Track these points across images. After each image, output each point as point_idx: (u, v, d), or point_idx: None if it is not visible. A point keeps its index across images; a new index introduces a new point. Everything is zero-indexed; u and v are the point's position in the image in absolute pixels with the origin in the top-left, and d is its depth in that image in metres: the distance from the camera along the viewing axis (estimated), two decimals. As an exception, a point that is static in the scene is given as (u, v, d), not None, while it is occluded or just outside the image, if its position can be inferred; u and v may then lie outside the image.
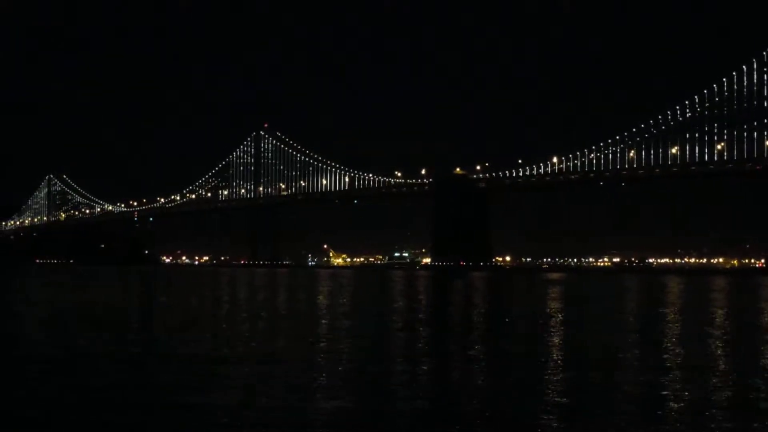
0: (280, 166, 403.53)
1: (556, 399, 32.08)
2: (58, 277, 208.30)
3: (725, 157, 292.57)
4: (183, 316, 72.71)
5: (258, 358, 42.79)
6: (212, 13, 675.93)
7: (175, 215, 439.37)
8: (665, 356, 44.86)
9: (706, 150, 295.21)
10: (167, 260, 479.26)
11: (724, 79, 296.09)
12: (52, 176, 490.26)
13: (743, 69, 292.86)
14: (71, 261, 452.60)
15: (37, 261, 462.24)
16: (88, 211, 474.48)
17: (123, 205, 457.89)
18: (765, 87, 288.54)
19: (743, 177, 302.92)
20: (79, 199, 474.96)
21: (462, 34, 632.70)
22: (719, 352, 48.63)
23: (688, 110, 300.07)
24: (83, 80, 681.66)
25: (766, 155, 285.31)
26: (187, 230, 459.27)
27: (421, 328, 63.42)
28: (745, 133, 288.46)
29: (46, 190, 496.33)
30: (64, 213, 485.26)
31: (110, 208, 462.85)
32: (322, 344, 50.29)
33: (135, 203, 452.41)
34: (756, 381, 36.67)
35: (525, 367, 40.80)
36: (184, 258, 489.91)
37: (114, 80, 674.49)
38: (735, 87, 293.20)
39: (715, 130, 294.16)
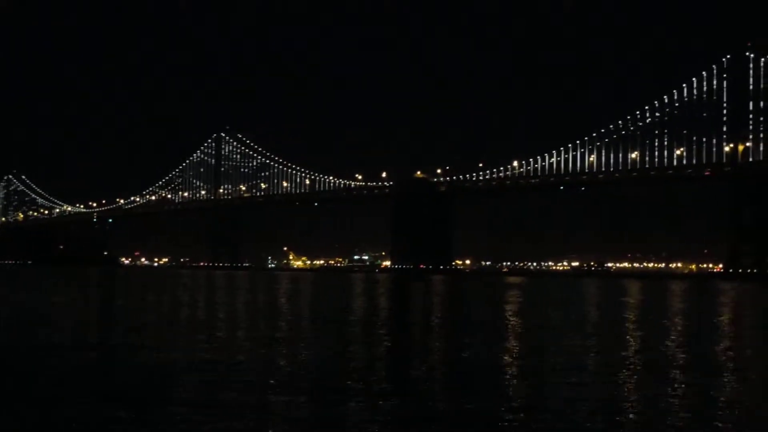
0: (241, 169, 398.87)
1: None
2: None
3: (684, 162, 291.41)
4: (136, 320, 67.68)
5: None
6: (174, 10, 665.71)
7: (134, 216, 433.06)
8: (626, 358, 43.79)
9: (666, 155, 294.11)
10: (126, 261, 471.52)
11: (684, 85, 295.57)
12: (11, 177, 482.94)
13: (702, 75, 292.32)
14: (29, 262, 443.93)
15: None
16: (46, 212, 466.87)
17: (82, 206, 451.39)
18: (724, 93, 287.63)
19: (701, 182, 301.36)
20: (39, 200, 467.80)
21: (427, 37, 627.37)
22: (677, 353, 47.45)
23: (648, 116, 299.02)
24: (46, 80, 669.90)
25: (725, 160, 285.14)
26: (147, 232, 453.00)
27: (379, 331, 60.24)
28: (704, 139, 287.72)
29: (5, 190, 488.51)
30: (22, 214, 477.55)
31: (69, 209, 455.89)
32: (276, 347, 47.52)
33: (94, 204, 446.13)
34: (709, 379, 37.12)
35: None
36: (143, 259, 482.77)
37: (77, 80, 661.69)
38: (695, 93, 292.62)
39: (675, 136, 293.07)
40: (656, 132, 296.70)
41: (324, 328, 62.64)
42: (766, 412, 31.14)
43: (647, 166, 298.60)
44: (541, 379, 36.83)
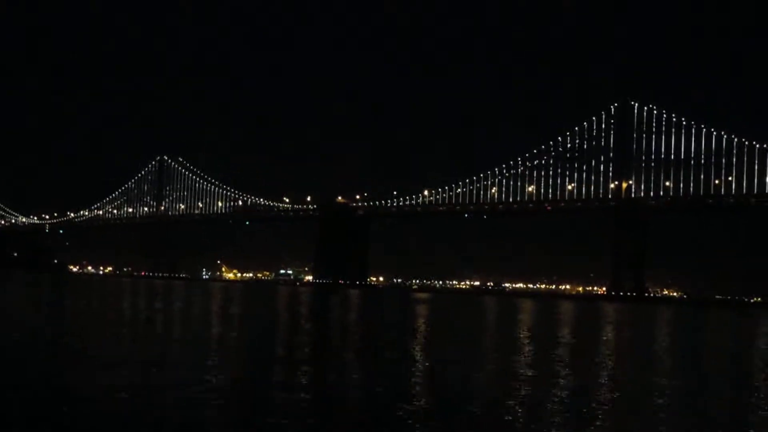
0: (181, 188, 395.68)
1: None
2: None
3: (575, 196, 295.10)
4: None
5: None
6: (121, 30, 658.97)
7: (82, 228, 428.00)
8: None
9: (558, 189, 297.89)
10: (74, 269, 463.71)
11: (576, 128, 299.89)
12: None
13: (593, 120, 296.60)
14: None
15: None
16: (2, 222, 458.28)
17: (35, 218, 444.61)
18: (611, 137, 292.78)
19: (588, 213, 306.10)
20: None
21: (354, 64, 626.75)
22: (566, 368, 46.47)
23: (544, 155, 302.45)
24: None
25: (610, 195, 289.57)
26: (94, 242, 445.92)
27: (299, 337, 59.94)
28: (592, 176, 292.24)
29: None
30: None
31: (23, 219, 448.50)
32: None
33: (47, 216, 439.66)
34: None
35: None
36: (89, 267, 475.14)
37: (31, 97, 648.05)
38: (585, 135, 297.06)
39: (567, 173, 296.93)
40: (551, 169, 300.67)
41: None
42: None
43: (542, 198, 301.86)
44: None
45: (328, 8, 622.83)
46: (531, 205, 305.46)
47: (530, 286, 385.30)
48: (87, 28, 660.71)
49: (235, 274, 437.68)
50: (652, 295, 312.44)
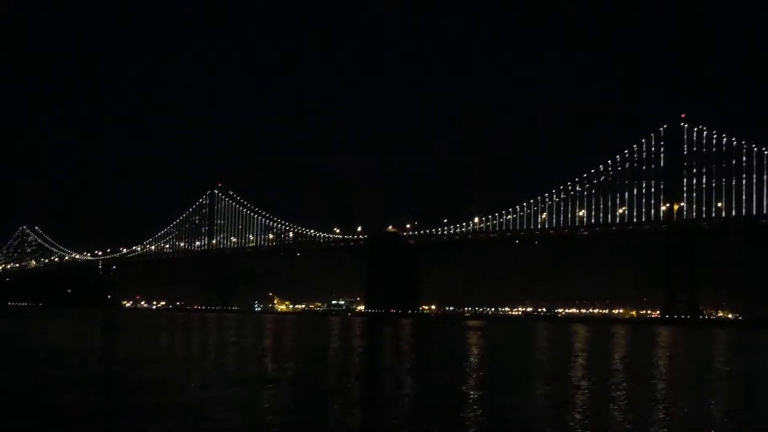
0: (232, 221, 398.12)
1: None
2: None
3: (626, 220, 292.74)
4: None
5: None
6: (171, 64, 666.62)
7: (136, 264, 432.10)
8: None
9: (609, 213, 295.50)
10: (127, 304, 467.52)
11: (626, 151, 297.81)
12: (24, 227, 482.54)
13: (642, 142, 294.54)
14: (40, 304, 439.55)
15: (9, 303, 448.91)
16: (57, 259, 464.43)
17: (88, 254, 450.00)
18: (661, 159, 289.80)
19: (641, 237, 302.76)
20: (50, 248, 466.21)
21: (391, 98, 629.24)
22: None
23: (594, 178, 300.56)
24: (46, 137, 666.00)
25: (661, 218, 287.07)
26: (146, 278, 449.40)
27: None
28: (643, 199, 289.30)
29: (18, 239, 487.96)
30: (35, 261, 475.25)
31: (77, 256, 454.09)
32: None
33: (99, 253, 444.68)
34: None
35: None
36: (142, 303, 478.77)
37: (82, 135, 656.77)
38: (635, 157, 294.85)
39: (618, 196, 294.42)
40: (602, 192, 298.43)
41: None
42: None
43: (593, 222, 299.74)
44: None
45: (366, 21, 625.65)
46: (582, 229, 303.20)
47: (583, 311, 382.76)
48: (137, 60, 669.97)
49: (287, 305, 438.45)
50: (706, 317, 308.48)
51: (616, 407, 39.22)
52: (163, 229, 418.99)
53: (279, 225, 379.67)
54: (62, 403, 37.10)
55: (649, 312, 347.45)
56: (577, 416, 35.46)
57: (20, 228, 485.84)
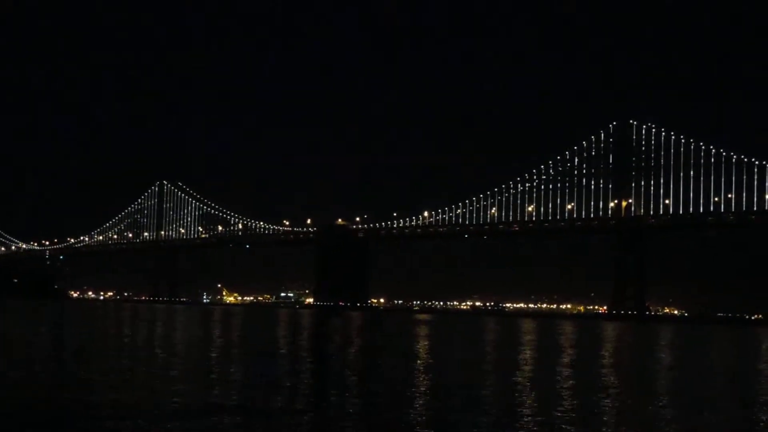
0: (180, 213, 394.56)
1: None
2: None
3: (575, 216, 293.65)
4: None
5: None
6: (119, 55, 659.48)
7: (83, 254, 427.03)
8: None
9: (558, 208, 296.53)
10: (75, 295, 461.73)
11: (575, 147, 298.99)
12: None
13: (591, 139, 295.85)
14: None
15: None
16: (3, 249, 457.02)
17: (36, 244, 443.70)
18: (610, 156, 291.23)
19: (589, 233, 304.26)
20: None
21: (351, 90, 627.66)
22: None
23: (543, 174, 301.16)
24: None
25: (610, 214, 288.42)
26: (95, 268, 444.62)
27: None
28: (592, 196, 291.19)
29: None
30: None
31: (24, 246, 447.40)
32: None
33: (47, 243, 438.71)
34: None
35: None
36: (90, 293, 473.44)
37: (30, 124, 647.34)
38: (584, 155, 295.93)
39: (567, 192, 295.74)
40: (551, 189, 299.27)
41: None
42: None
43: (542, 218, 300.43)
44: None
45: (327, 22, 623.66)
46: (531, 225, 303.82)
47: (531, 306, 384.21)
48: (82, 44, 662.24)
49: (235, 297, 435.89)
50: (653, 313, 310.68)
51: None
52: (112, 220, 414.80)
53: (228, 217, 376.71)
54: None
55: (596, 308, 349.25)
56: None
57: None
